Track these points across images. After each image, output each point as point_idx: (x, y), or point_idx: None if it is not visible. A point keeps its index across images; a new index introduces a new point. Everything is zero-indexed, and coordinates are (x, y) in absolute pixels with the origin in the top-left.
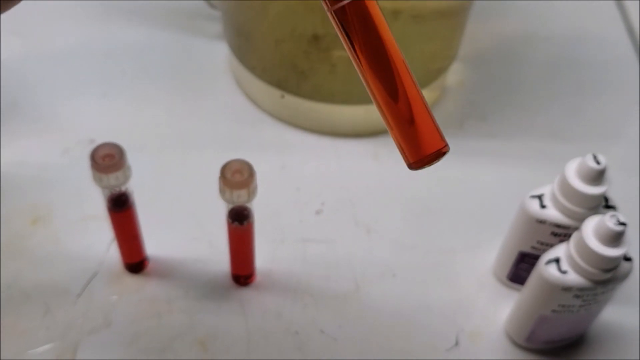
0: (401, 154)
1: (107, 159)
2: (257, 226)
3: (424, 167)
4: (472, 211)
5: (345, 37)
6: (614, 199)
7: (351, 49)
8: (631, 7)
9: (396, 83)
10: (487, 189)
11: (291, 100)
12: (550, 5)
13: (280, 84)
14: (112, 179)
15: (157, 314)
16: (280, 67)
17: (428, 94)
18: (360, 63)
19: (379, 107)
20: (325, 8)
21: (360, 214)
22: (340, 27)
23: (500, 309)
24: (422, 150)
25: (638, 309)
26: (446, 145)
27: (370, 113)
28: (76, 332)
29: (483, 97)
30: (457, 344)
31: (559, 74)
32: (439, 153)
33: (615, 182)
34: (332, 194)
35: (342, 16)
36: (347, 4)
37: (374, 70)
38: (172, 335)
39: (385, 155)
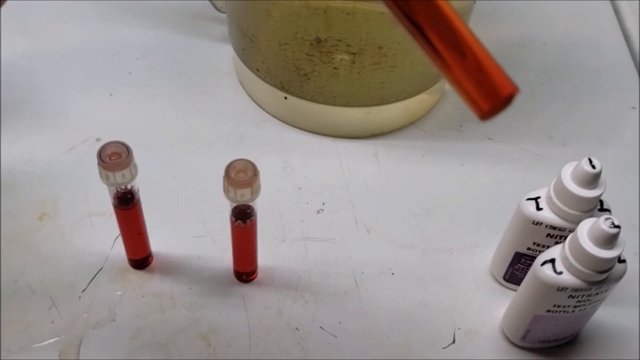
0: (473, 108)
1: (114, 157)
2: (260, 224)
3: (496, 115)
4: (469, 212)
5: (406, 14)
6: (610, 202)
7: (412, 21)
8: (627, 12)
9: (460, 39)
10: (484, 190)
11: (294, 102)
12: (547, 10)
13: (284, 86)
14: (119, 177)
15: (161, 309)
16: (284, 69)
17: (429, 97)
18: (423, 28)
19: (446, 67)
20: None
21: (360, 213)
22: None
23: (496, 308)
24: (498, 95)
25: (632, 309)
26: (516, 88)
27: (371, 115)
28: (81, 327)
29: None
30: (454, 342)
31: (556, 78)
32: (511, 96)
33: (611, 184)
34: (333, 193)
35: None
36: None
37: (438, 30)
38: (175, 330)
39: (385, 156)
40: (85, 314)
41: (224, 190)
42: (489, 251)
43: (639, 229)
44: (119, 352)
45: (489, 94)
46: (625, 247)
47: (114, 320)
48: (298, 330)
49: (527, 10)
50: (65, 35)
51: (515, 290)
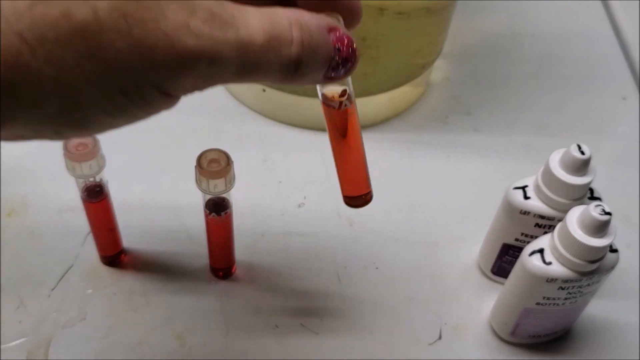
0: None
1: (81, 148)
2: (238, 220)
3: (357, 205)
4: (456, 204)
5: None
6: (600, 192)
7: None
8: (616, 4)
9: (352, 159)
10: (471, 182)
11: (273, 95)
12: (535, 1)
13: None
14: (86, 168)
15: (134, 308)
16: None
17: (412, 89)
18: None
19: (339, 166)
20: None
21: (342, 207)
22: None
23: (484, 303)
24: (356, 191)
25: (626, 302)
26: (370, 192)
27: None
28: (50, 326)
29: (468, 93)
30: (440, 337)
31: (544, 70)
32: (363, 196)
33: (602, 175)
34: (315, 187)
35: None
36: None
37: (340, 146)
38: (148, 329)
39: (368, 149)
40: (54, 313)
41: (196, 181)
42: (476, 244)
43: (639, 223)
44: (89, 352)
45: (353, 188)
46: (617, 239)
47: (85, 319)
48: (277, 327)
49: (515, 1)
50: None
51: (504, 284)
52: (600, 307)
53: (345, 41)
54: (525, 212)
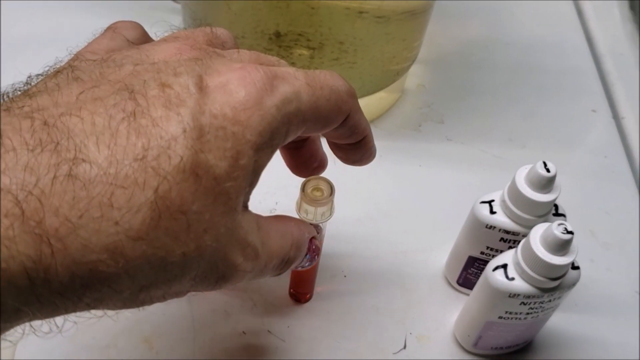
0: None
1: None
2: None
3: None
4: (426, 214)
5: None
6: (568, 206)
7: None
8: (590, 13)
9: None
10: (442, 192)
11: None
12: (510, 10)
13: None
14: None
15: (102, 310)
16: None
17: (388, 95)
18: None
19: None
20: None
21: None
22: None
23: (449, 313)
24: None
25: (586, 316)
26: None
27: None
28: (17, 327)
29: (442, 100)
30: (405, 347)
31: (518, 79)
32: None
33: (570, 188)
34: (287, 193)
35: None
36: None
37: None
38: (116, 331)
39: None
40: None
41: None
42: (443, 254)
43: (603, 238)
44: (57, 354)
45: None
46: (580, 253)
47: (51, 321)
48: (245, 334)
49: (490, 9)
50: (14, 26)
51: (469, 295)
52: (562, 321)
53: (313, 247)
54: (491, 227)
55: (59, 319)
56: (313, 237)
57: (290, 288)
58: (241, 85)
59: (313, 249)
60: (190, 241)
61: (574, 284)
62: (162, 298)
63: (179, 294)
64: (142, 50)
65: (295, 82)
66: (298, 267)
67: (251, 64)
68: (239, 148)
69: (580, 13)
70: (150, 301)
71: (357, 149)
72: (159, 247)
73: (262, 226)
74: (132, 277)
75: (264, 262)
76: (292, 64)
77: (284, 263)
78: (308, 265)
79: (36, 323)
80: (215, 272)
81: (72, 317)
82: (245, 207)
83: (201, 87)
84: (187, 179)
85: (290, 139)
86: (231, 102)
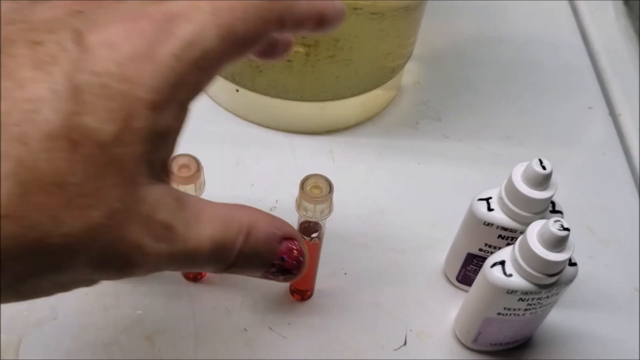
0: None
1: None
2: None
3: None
4: (424, 211)
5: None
6: (564, 203)
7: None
8: (585, 11)
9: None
10: (440, 189)
11: (246, 95)
12: (505, 7)
13: (235, 78)
14: None
15: (104, 308)
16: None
17: (384, 93)
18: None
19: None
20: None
21: None
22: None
23: (449, 310)
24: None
25: (585, 312)
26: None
27: (326, 110)
28: (20, 325)
29: (438, 98)
30: (405, 344)
31: (514, 76)
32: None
33: (567, 185)
34: (287, 191)
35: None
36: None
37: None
38: (119, 329)
39: (340, 153)
40: (25, 312)
41: None
42: (442, 251)
43: (601, 235)
44: (60, 352)
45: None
46: (579, 250)
47: (56, 318)
48: (247, 331)
49: (484, 6)
50: None
51: (468, 292)
52: (561, 317)
53: (295, 253)
54: (489, 224)
55: (52, 303)
56: (291, 239)
57: (291, 285)
58: (127, 37)
59: (294, 255)
60: (73, 219)
61: (571, 281)
62: (58, 288)
63: (82, 284)
64: (24, 7)
65: (197, 16)
66: (269, 276)
67: (139, 10)
68: (129, 108)
69: (575, 10)
70: (42, 292)
71: (320, 25)
72: (30, 227)
73: (190, 205)
74: (1, 263)
75: (190, 247)
76: (288, 62)
77: (228, 253)
78: (282, 278)
79: (40, 317)
80: (115, 256)
81: (72, 315)
82: (158, 179)
83: (80, 44)
84: (60, 146)
85: (206, 86)
86: (116, 57)
